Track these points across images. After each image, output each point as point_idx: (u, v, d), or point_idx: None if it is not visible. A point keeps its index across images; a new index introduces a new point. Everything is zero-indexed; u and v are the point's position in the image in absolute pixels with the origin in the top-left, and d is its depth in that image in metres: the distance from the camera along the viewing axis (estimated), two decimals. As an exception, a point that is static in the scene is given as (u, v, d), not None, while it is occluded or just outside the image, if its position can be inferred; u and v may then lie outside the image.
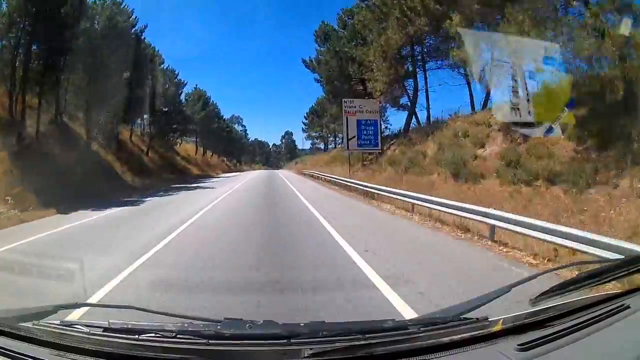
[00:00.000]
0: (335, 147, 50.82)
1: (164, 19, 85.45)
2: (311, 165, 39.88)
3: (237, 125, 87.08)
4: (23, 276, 4.24)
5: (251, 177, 32.16)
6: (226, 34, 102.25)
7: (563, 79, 9.43)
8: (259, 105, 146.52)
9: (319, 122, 53.71)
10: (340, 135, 44.67)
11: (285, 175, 34.56)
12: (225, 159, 70.81)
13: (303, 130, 64.57)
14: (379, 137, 22.36)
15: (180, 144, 45.05)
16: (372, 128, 21.97)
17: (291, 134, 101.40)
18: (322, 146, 61.64)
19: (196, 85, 53.41)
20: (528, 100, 9.94)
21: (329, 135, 54.48)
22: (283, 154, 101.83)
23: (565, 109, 8.85)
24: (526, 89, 10.02)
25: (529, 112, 9.85)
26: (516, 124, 11.21)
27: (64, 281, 3.86)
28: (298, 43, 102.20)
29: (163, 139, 37.30)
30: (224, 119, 67.01)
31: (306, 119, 62.77)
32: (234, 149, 77.28)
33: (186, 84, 42.33)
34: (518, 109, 10.03)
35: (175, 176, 30.47)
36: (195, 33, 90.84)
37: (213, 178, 35.17)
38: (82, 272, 4.00)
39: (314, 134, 61.45)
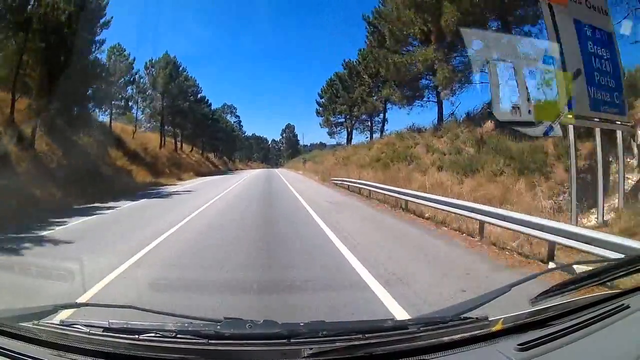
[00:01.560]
0: (370, 137, 31.77)
1: (163, 17, 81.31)
2: (336, 165, 24.76)
3: (229, 115, 72.74)
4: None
5: (218, 206, 11.68)
6: (223, 29, 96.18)
7: None
8: (256, 100, 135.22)
9: (346, 97, 34.35)
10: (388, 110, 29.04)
11: (307, 193, 15.31)
12: (213, 154, 57.43)
13: (317, 113, 42.57)
14: (622, 82, 8.19)
15: (134, 132, 30.11)
16: (607, 52, 7.99)
17: (293, 127, 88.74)
18: (342, 138, 40.25)
19: (166, 51, 37.81)
20: None
21: (357, 118, 35.30)
22: (284, 150, 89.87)
23: None
24: None
25: None
26: None
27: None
28: (297, 37, 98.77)
29: (69, 112, 19.21)
30: (207, 102, 48.21)
31: (322, 97, 41.63)
32: (225, 143, 62.55)
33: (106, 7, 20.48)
34: None
35: (73, 193, 13.64)
36: (190, 28, 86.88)
37: (151, 195, 16.16)
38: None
39: (333, 119, 39.71)
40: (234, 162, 72.86)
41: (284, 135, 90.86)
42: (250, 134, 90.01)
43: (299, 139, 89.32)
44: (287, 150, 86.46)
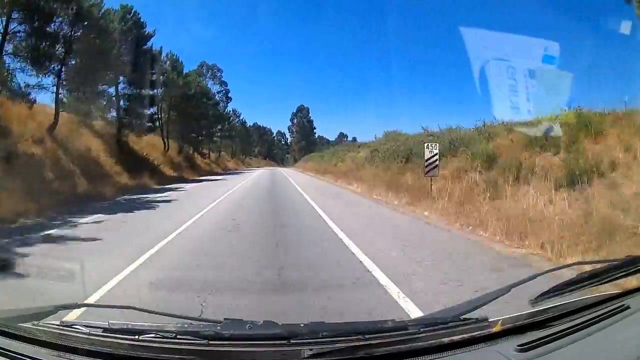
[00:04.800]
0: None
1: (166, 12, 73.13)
2: None
3: (211, 82, 45.65)
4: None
5: None
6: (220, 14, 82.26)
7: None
8: (257, 88, 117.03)
9: None
10: None
11: None
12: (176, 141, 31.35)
13: None
14: None
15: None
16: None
17: (307, 110, 64.83)
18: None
19: None
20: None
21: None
22: (294, 142, 67.19)
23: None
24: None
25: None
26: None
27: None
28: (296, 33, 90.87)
29: None
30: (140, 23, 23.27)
31: None
32: (191, 118, 32.38)
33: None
34: None
35: None
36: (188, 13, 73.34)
37: None
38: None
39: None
40: (213, 157, 45.06)
41: (295, 121, 66.02)
42: (252, 123, 68.68)
43: (314, 127, 65.63)
44: (298, 142, 65.24)
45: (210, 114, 38.64)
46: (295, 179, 24.09)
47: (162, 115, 29.82)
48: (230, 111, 52.53)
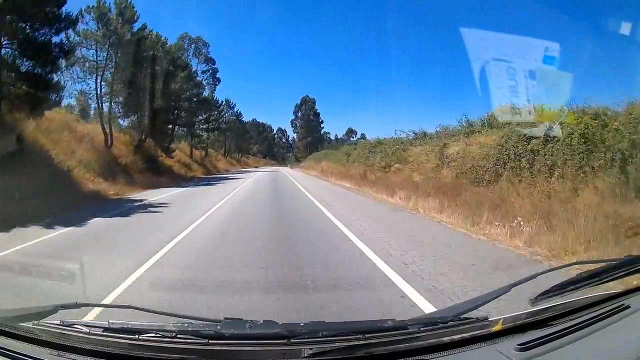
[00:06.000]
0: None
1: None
2: None
3: (195, 61, 35.48)
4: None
5: None
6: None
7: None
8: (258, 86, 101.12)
9: None
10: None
11: None
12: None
13: None
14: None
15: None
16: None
17: (312, 102, 55.98)
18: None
19: None
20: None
21: None
22: (300, 138, 57.18)
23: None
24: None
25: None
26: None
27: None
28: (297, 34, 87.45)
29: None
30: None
31: None
32: (144, 100, 20.66)
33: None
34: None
35: None
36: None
37: None
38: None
39: None
40: (197, 155, 36.21)
41: (299, 114, 56.98)
42: (251, 119, 60.67)
43: (322, 120, 56.78)
44: (303, 138, 55.57)
45: (177, 87, 26.24)
46: (345, 213, 8.90)
47: (102, 90, 19.47)
48: (222, 101, 42.83)
